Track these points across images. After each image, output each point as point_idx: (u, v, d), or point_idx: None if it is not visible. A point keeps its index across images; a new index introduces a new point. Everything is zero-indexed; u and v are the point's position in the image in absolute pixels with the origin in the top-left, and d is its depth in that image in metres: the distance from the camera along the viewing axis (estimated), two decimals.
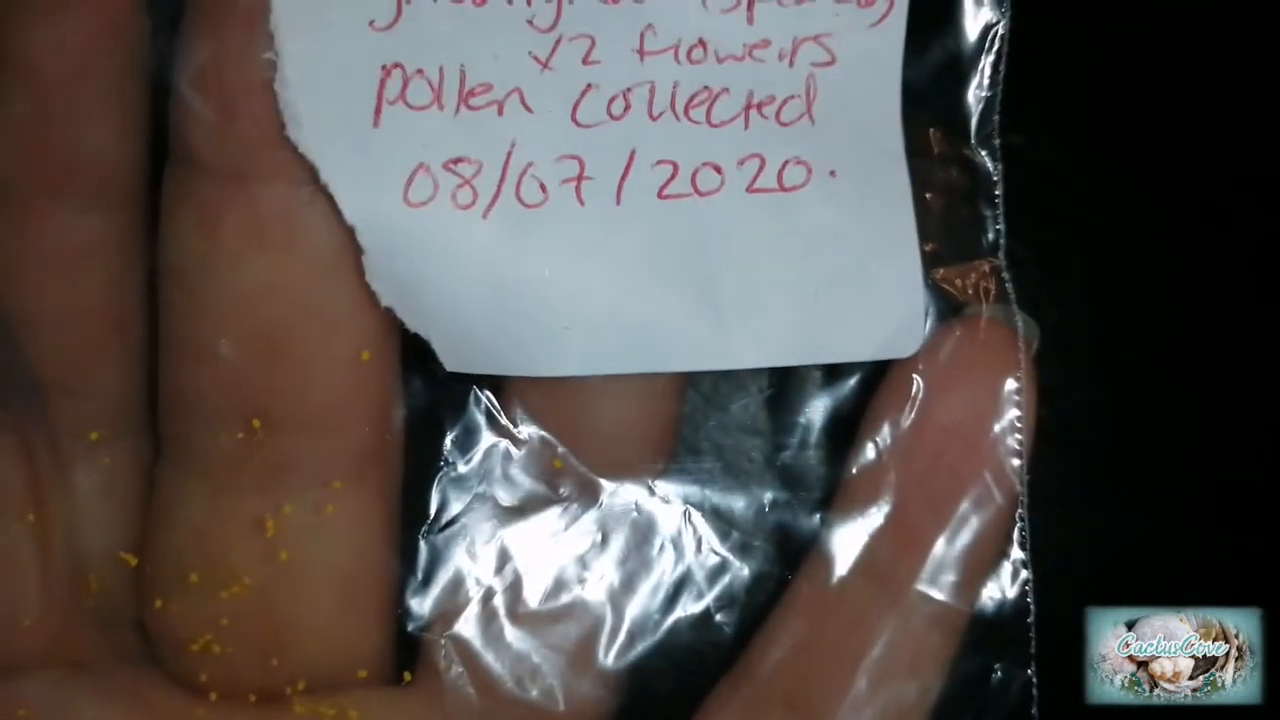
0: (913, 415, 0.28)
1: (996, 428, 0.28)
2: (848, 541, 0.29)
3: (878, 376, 0.29)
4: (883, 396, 0.29)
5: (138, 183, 0.28)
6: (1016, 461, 0.28)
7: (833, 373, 0.30)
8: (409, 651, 0.29)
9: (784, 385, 0.30)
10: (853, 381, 0.30)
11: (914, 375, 0.28)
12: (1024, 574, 0.29)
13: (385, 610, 0.29)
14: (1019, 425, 0.28)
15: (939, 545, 0.28)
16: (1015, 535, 0.29)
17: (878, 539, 0.29)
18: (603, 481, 0.29)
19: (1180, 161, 0.32)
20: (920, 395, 0.28)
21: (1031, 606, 0.29)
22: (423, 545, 0.29)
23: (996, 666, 0.29)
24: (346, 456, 0.28)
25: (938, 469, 0.28)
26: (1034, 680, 0.29)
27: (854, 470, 0.29)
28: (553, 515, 0.29)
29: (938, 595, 0.28)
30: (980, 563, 0.29)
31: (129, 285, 0.28)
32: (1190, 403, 0.33)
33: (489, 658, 0.29)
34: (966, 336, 0.28)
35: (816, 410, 0.30)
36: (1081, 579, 0.32)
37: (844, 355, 0.28)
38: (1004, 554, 0.29)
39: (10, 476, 0.28)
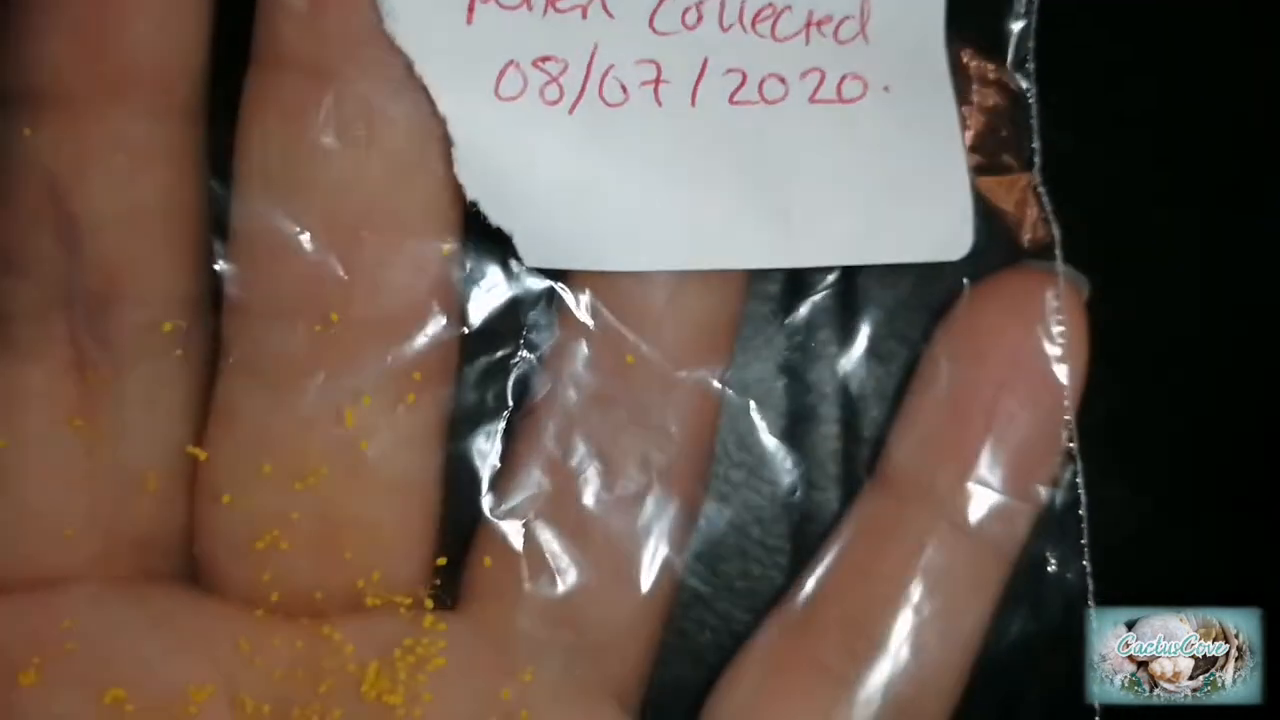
0: (972, 340, 0.29)
1: (1051, 348, 0.29)
2: (906, 464, 0.30)
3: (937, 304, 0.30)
4: (943, 323, 0.30)
5: (198, 94, 0.28)
6: (1065, 379, 0.29)
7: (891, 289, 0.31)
8: (478, 548, 0.30)
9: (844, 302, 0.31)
10: (910, 306, 0.31)
11: (971, 307, 0.29)
12: (1073, 465, 0.29)
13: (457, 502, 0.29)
14: (1066, 342, 0.29)
15: (996, 465, 0.29)
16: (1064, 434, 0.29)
17: (936, 460, 0.29)
18: (674, 376, 0.29)
19: (1216, 105, 0.33)
20: (977, 325, 0.29)
21: (1082, 497, 0.29)
22: (498, 438, 0.30)
23: (1050, 557, 0.30)
24: (425, 349, 0.28)
25: (997, 391, 0.29)
26: (1088, 570, 0.29)
27: (915, 392, 0.30)
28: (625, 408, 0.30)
29: (995, 517, 0.29)
30: (1036, 482, 0.29)
31: (190, 190, 0.28)
32: (1192, 401, 0.33)
33: (561, 547, 0.29)
34: (1022, 273, 0.29)
35: (878, 325, 0.31)
36: (1081, 579, 0.32)
37: (900, 257, 0.29)
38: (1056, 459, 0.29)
39: (59, 384, 0.28)
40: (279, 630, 0.28)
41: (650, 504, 0.29)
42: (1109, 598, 0.31)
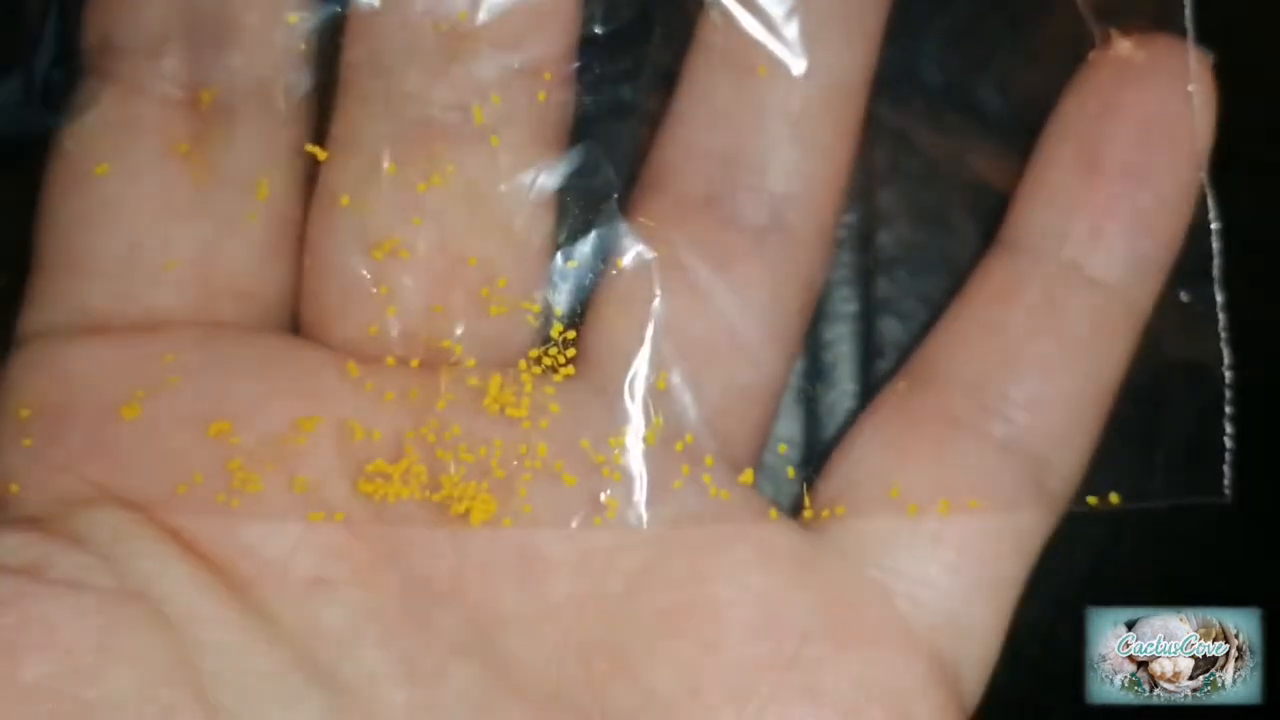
0: (1111, 93, 0.29)
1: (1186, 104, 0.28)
2: (1037, 221, 0.29)
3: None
4: (1076, 81, 0.29)
5: None
6: (1201, 129, 0.28)
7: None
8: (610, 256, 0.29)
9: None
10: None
11: (1108, 64, 0.29)
12: (1206, 199, 0.29)
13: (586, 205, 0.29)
14: (1199, 100, 0.28)
15: (1132, 215, 0.28)
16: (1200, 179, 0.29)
17: (1069, 214, 0.29)
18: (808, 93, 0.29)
19: None
20: (1117, 79, 0.29)
21: (1211, 225, 0.29)
22: (627, 145, 0.29)
23: (1180, 291, 0.29)
24: (556, 49, 0.28)
25: (1135, 142, 0.28)
26: (1220, 301, 0.29)
27: (1043, 151, 0.29)
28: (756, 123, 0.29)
29: (1130, 268, 0.28)
30: (1172, 230, 0.29)
31: None
32: None
33: (692, 261, 0.28)
34: (1155, 37, 0.29)
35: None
36: (1081, 579, 0.32)
37: None
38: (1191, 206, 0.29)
39: (169, 116, 0.27)
40: (393, 349, 0.27)
41: (781, 235, 0.28)
42: (1109, 598, 0.31)
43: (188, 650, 0.24)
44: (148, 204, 0.27)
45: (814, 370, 0.32)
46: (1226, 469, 0.29)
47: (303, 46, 0.28)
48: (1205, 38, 0.28)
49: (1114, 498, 0.28)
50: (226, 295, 0.28)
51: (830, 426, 0.32)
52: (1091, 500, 0.29)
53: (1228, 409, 0.29)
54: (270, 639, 0.25)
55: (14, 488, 0.26)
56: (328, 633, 0.26)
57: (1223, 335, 0.29)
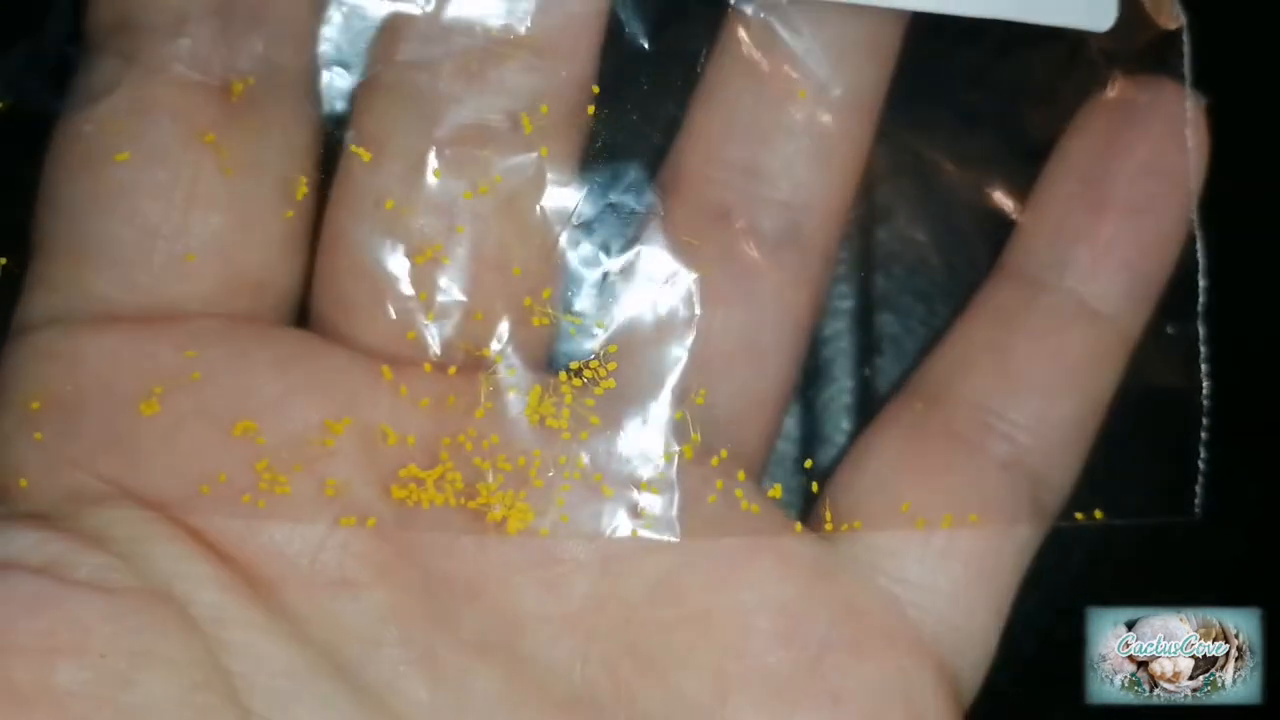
0: (1118, 130, 0.29)
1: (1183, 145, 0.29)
2: (1039, 250, 0.30)
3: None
4: (1081, 117, 0.30)
5: None
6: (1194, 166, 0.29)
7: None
8: None
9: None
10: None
11: (1116, 102, 0.29)
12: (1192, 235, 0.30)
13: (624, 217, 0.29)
14: (1194, 142, 0.29)
15: (1131, 248, 0.29)
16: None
17: (1070, 245, 0.29)
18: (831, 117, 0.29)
19: None
20: (1124, 117, 0.29)
21: (1199, 262, 0.29)
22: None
23: (1167, 325, 0.30)
24: (588, 62, 0.28)
25: (1138, 177, 0.29)
26: (1201, 334, 0.30)
27: (1047, 182, 0.30)
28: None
29: (1125, 298, 0.29)
30: (1165, 263, 0.29)
31: None
32: None
33: (715, 278, 0.29)
34: (1157, 79, 0.30)
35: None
36: (1081, 579, 0.32)
37: (1050, 19, 0.29)
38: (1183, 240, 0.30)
39: (193, 100, 0.27)
40: (428, 355, 0.27)
41: (796, 246, 0.29)
42: (1109, 598, 0.31)
43: (216, 653, 0.24)
44: (165, 191, 0.27)
45: (811, 366, 0.32)
46: (1198, 490, 0.30)
47: (341, 42, 0.28)
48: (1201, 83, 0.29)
49: (1098, 514, 0.29)
50: (242, 287, 0.27)
51: (827, 421, 0.32)
52: (1079, 515, 0.29)
53: (1204, 434, 0.30)
54: (296, 640, 0.25)
55: (22, 482, 0.26)
56: (352, 633, 0.26)
57: (1204, 367, 0.30)
